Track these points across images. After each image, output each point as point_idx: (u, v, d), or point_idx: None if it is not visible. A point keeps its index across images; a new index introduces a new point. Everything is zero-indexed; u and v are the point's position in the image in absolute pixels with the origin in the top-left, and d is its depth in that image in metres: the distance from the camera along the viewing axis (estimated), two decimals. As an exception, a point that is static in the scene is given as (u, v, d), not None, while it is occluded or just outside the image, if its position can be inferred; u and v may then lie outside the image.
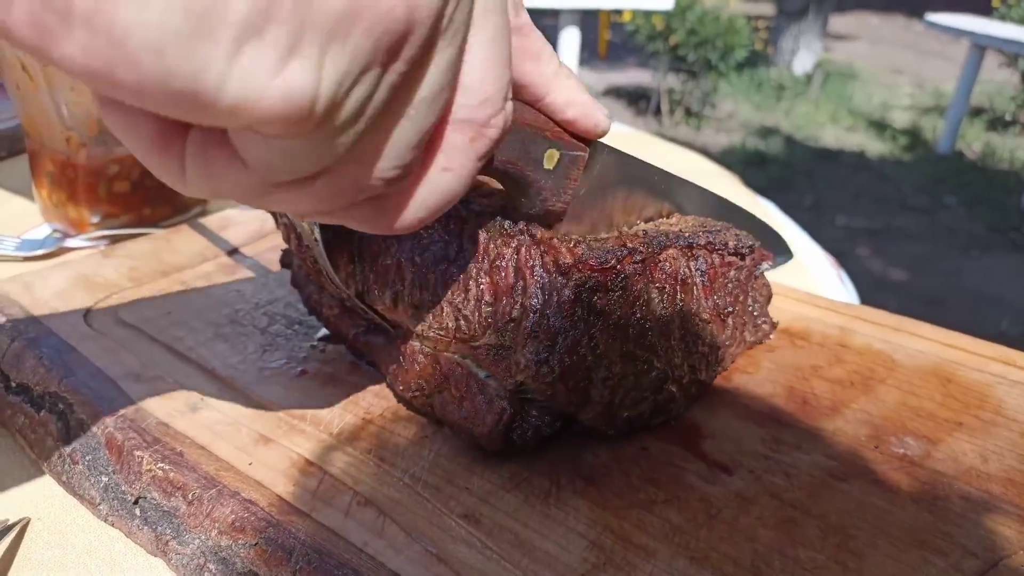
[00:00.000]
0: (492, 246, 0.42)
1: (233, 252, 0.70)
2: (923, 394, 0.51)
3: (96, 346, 0.55)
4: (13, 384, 0.54)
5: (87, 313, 0.60)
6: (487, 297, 0.42)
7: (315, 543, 0.39)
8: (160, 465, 0.44)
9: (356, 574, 0.37)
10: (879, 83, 6.13)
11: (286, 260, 0.58)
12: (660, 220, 0.52)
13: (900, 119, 5.30)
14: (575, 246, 0.42)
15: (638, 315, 0.43)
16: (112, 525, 0.46)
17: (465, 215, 0.44)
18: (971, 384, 0.52)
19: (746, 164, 4.37)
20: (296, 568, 0.38)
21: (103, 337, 0.57)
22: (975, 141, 4.85)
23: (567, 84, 0.36)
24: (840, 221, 3.76)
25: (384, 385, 0.51)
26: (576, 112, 0.37)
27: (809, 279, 0.78)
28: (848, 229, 3.68)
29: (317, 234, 0.49)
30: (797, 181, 4.21)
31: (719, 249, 0.49)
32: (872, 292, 3.09)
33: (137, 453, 0.45)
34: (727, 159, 4.46)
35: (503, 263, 0.42)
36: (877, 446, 0.46)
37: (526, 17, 0.33)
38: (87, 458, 0.47)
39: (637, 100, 5.50)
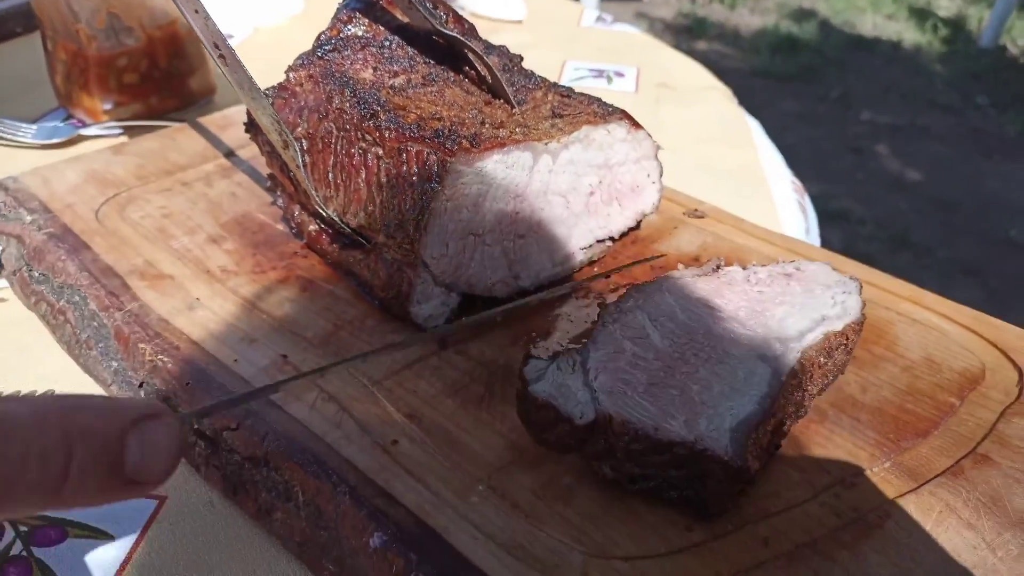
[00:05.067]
0: None
1: (230, 155, 0.76)
2: (830, 328, 0.57)
3: (105, 243, 0.63)
4: (36, 274, 0.61)
5: (98, 210, 0.67)
6: None
7: (284, 430, 0.47)
8: (160, 357, 0.52)
9: (315, 457, 0.45)
10: (931, -35, 5.78)
11: (271, 184, 0.64)
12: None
13: (945, 7, 5.05)
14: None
15: None
16: (122, 402, 0.55)
17: None
18: (874, 320, 0.58)
19: (775, 50, 4.23)
20: (267, 449, 0.46)
21: (111, 234, 0.64)
22: (1021, 37, 4.64)
23: None
24: (865, 116, 3.68)
25: (356, 295, 0.58)
26: None
27: (769, 205, 0.82)
28: (872, 124, 3.62)
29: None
30: (827, 71, 4.09)
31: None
32: (886, 192, 3.09)
33: (141, 346, 0.53)
34: (757, 43, 4.33)
35: None
36: (775, 373, 0.53)
37: None
38: (100, 345, 0.56)
39: (671, -26, 5.25)
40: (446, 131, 0.49)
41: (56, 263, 0.60)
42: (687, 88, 1.09)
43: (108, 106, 0.90)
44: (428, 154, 0.48)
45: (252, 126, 0.61)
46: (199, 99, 0.95)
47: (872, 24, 4.76)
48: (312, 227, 0.59)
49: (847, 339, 0.48)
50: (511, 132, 0.52)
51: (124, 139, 0.88)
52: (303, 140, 0.55)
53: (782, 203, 0.83)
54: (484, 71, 0.59)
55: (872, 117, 3.68)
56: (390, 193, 0.50)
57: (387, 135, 0.50)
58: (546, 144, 0.53)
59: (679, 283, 0.50)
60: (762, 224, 0.69)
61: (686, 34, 4.45)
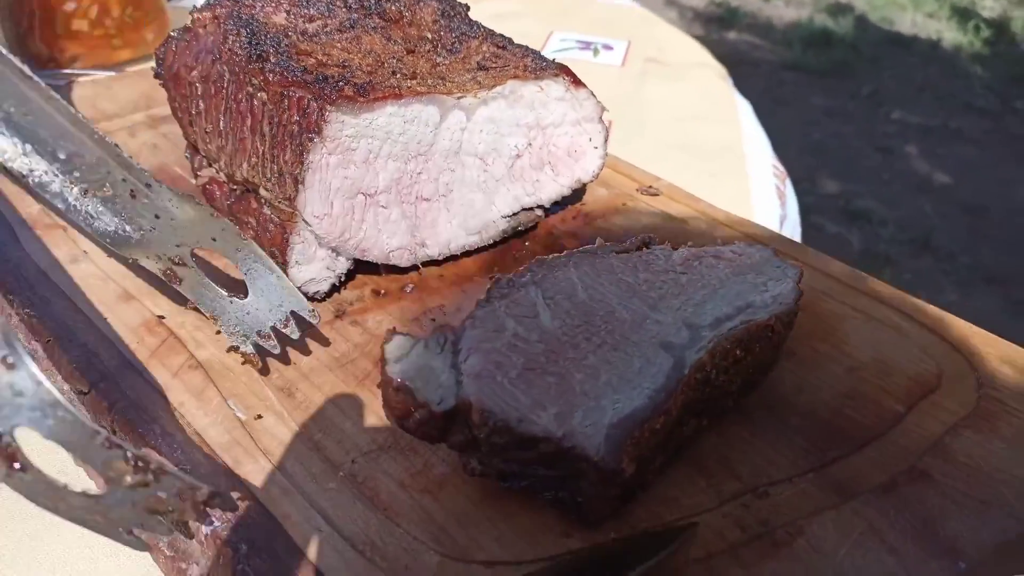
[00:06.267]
0: None
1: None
2: (773, 320, 0.51)
3: (4, 190, 0.58)
4: (-73, 218, 0.57)
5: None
6: None
7: (136, 399, 0.42)
8: (26, 311, 0.48)
9: (163, 429, 0.41)
10: (978, -37, 5.58)
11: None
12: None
13: (990, 8, 4.87)
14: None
15: None
16: (-10, 358, 0.50)
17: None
18: (823, 314, 0.52)
19: (808, 44, 4.11)
20: (114, 416, 0.42)
21: (13, 183, 0.59)
22: (1068, 40, 4.46)
23: None
24: (895, 115, 3.56)
25: (255, 256, 0.54)
26: None
27: (744, 188, 0.76)
28: (902, 124, 3.50)
29: None
30: (860, 68, 3.96)
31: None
32: (912, 194, 2.98)
33: (9, 296, 0.49)
34: (789, 36, 4.21)
35: None
36: (702, 366, 0.48)
37: None
38: (-25, 296, 0.52)
39: (707, -38, 5.12)
40: (333, 76, 0.44)
41: (-54, 208, 0.56)
42: (678, 64, 1.03)
43: (57, 54, 0.86)
44: (309, 100, 0.43)
45: (161, 69, 0.57)
46: (155, 50, 0.91)
47: (911, 22, 4.61)
48: (203, 179, 0.54)
49: (773, 331, 0.43)
50: (419, 83, 0.47)
51: (70, 88, 0.84)
52: (198, 85, 0.50)
53: (758, 188, 0.77)
54: None
55: (903, 116, 3.56)
56: (271, 143, 0.45)
57: (271, 78, 0.45)
58: (458, 98, 0.47)
59: (590, 259, 0.44)
60: (732, 209, 0.63)
61: (717, 23, 4.34)
